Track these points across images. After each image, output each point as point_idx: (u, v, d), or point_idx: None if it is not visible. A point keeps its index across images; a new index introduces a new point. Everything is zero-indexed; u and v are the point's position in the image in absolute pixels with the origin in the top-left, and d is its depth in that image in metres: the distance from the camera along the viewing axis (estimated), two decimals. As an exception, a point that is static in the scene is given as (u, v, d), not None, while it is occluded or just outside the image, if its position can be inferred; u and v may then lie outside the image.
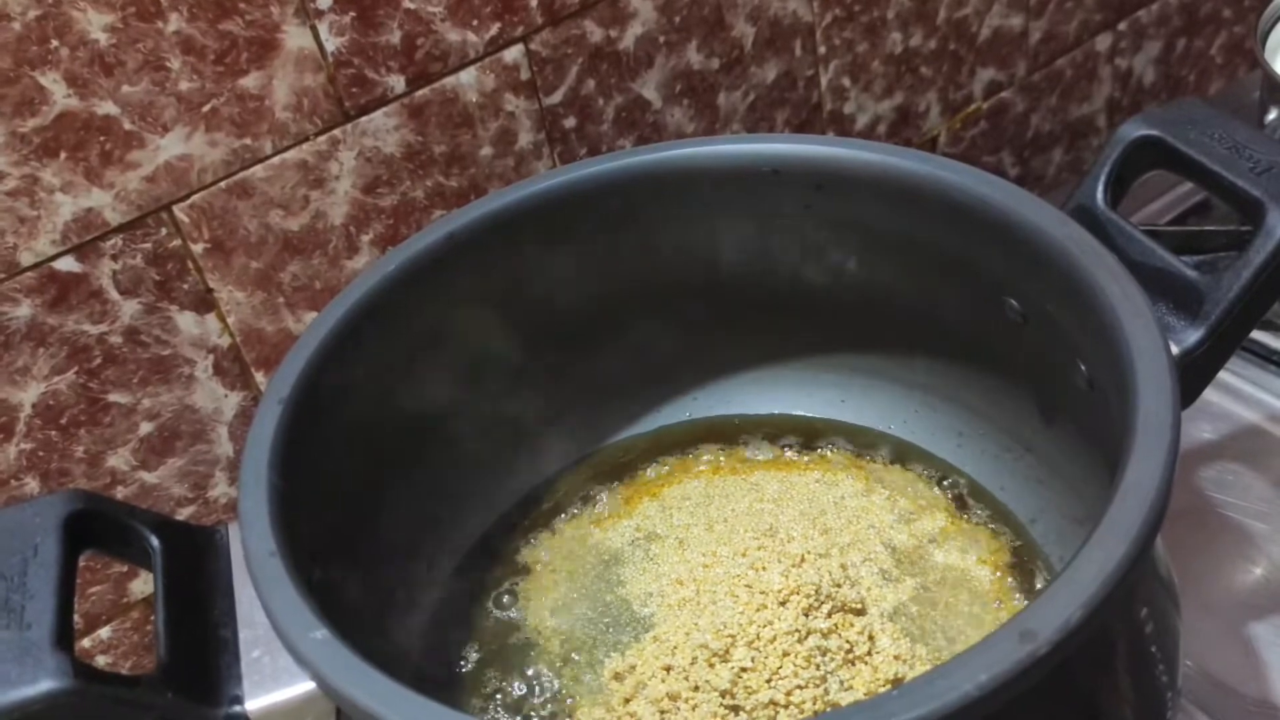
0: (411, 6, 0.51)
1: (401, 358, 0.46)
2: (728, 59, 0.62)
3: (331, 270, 0.54)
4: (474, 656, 0.46)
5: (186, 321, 0.51)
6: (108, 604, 0.54)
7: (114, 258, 0.48)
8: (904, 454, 0.52)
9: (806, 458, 0.53)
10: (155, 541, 0.37)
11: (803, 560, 0.44)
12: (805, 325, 0.52)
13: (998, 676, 0.28)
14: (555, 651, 0.46)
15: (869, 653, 0.42)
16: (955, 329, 0.48)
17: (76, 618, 0.53)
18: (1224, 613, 0.51)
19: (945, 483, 0.51)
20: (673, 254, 0.51)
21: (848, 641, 0.42)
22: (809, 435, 0.53)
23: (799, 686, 0.40)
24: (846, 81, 0.68)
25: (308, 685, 0.35)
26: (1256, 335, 0.62)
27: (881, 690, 0.40)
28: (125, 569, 0.54)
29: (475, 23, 0.53)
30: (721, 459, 0.53)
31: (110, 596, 0.54)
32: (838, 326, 0.52)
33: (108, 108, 0.46)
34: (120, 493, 0.52)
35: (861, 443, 0.53)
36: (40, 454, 0.50)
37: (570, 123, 0.58)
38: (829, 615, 0.42)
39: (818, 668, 0.41)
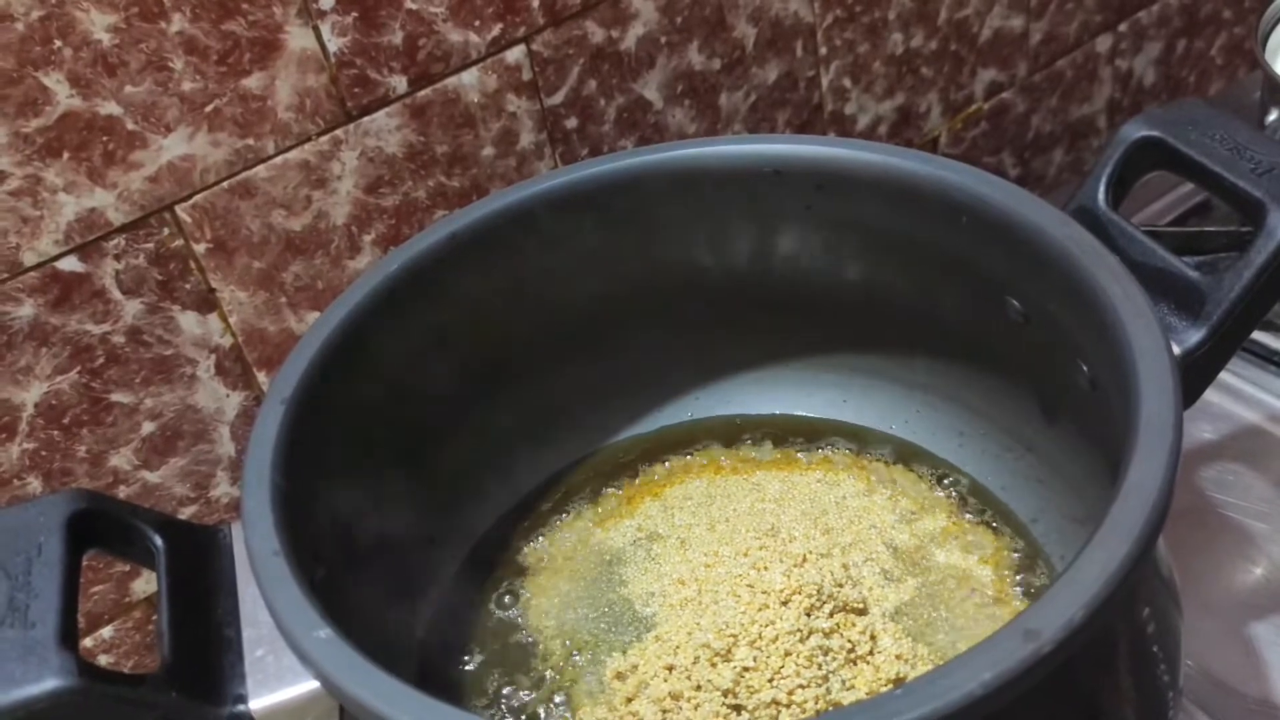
0: (414, 7, 0.51)
1: (404, 358, 0.46)
2: (729, 60, 0.62)
3: (334, 270, 0.54)
4: (476, 656, 0.47)
5: (189, 321, 0.51)
6: (110, 603, 0.54)
7: (117, 257, 0.48)
8: (905, 454, 0.52)
9: (808, 458, 0.53)
10: (158, 541, 0.37)
11: (804, 560, 0.44)
12: (806, 325, 0.52)
13: (1001, 675, 0.28)
14: (557, 651, 0.46)
15: (871, 652, 0.42)
16: (956, 329, 0.48)
17: (79, 617, 0.53)
18: (1225, 612, 0.51)
19: (946, 482, 0.51)
20: (674, 254, 0.51)
21: (849, 641, 0.42)
22: (810, 435, 0.54)
23: (801, 686, 0.40)
24: (848, 82, 0.68)
25: (311, 684, 0.35)
26: (1257, 336, 0.62)
27: (883, 690, 0.40)
28: (127, 569, 0.54)
29: (477, 23, 0.53)
30: (723, 459, 0.53)
31: (112, 596, 0.54)
32: (839, 326, 0.52)
33: (111, 108, 0.46)
34: (122, 492, 0.52)
35: (863, 443, 0.53)
36: (43, 453, 0.50)
37: (572, 123, 0.58)
38: (831, 615, 0.42)
39: (820, 667, 0.41)
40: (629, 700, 0.42)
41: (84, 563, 0.36)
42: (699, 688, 0.40)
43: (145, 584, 0.55)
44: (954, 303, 0.47)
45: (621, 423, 0.55)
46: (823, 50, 0.65)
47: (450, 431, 0.50)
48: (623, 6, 0.57)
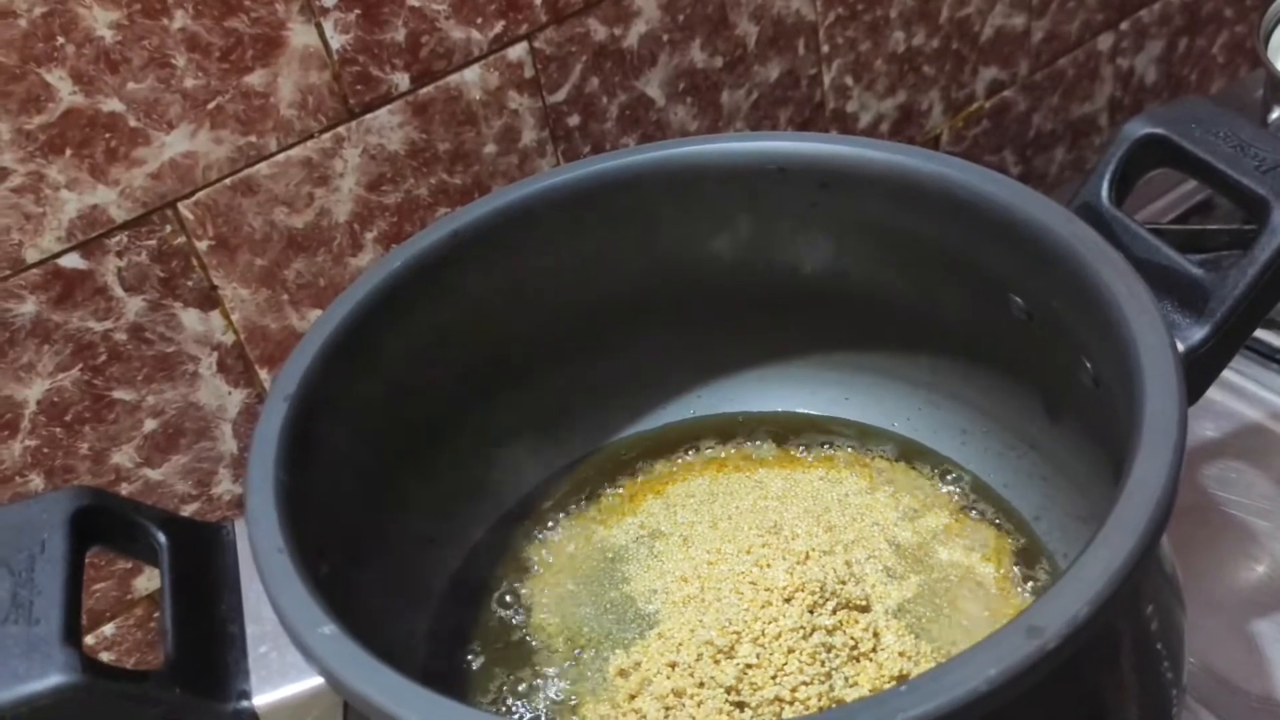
0: (416, 4, 0.51)
1: (406, 355, 0.46)
2: (731, 57, 0.62)
3: (336, 268, 0.54)
4: (479, 653, 0.47)
5: (191, 319, 0.51)
6: (111, 601, 0.54)
7: (119, 255, 0.48)
8: (908, 451, 0.52)
9: (811, 455, 0.53)
10: (162, 538, 0.37)
11: (807, 557, 0.44)
12: (809, 323, 0.52)
13: (1006, 671, 0.28)
14: (560, 648, 0.46)
15: (874, 649, 0.42)
16: (960, 326, 0.48)
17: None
18: (1227, 610, 0.52)
19: (949, 480, 0.51)
20: (677, 251, 0.51)
21: (852, 638, 0.42)
22: (813, 433, 0.53)
23: (804, 683, 0.40)
24: (849, 80, 0.68)
25: (315, 681, 0.35)
26: (1259, 334, 0.62)
27: (886, 687, 0.41)
28: (129, 566, 0.54)
29: (479, 20, 0.53)
30: (725, 456, 0.53)
31: (114, 593, 0.54)
32: (842, 324, 0.52)
33: (113, 105, 0.46)
34: (124, 489, 0.52)
35: (865, 440, 0.53)
36: (45, 451, 0.50)
37: (574, 121, 0.58)
38: (834, 612, 0.42)
39: (823, 664, 0.41)
40: (632, 697, 0.42)
41: (86, 560, 0.36)
42: (702, 685, 0.40)
43: (147, 581, 0.55)
44: (957, 300, 0.47)
45: (624, 421, 0.55)
46: (825, 48, 0.65)
47: (452, 429, 0.50)
48: (625, 4, 0.57)
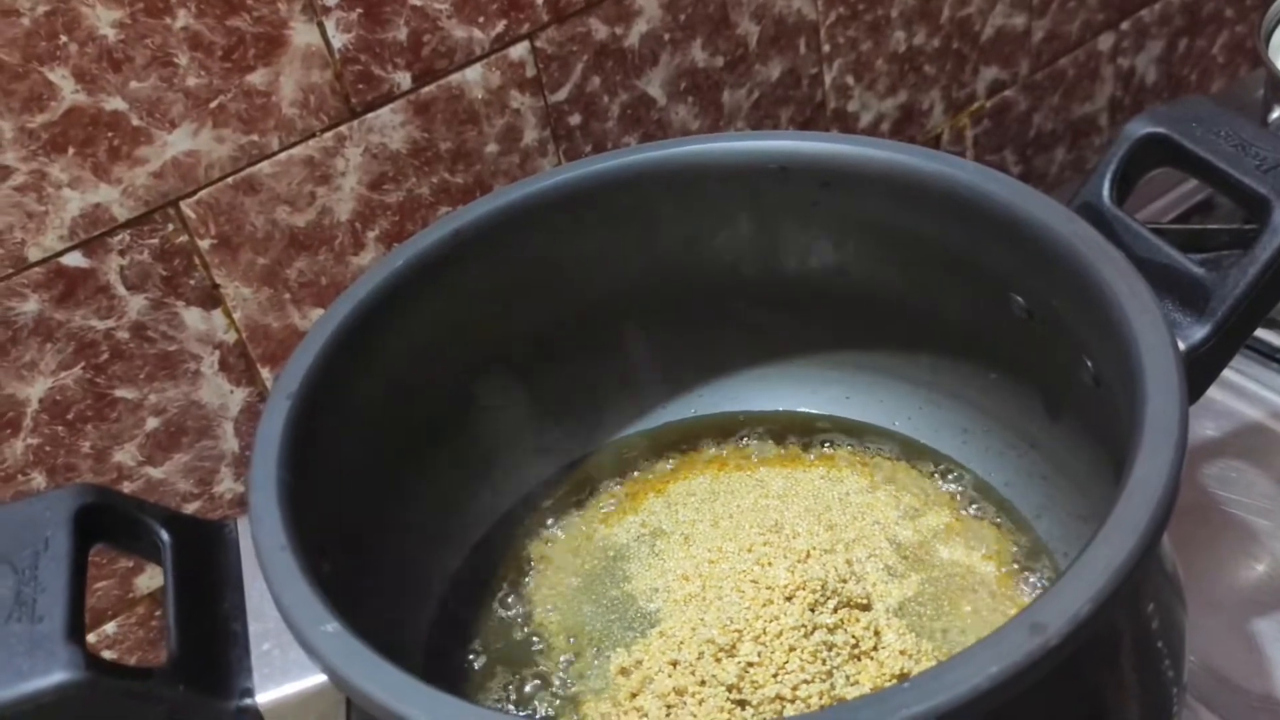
0: (418, 3, 0.51)
1: (408, 354, 0.46)
2: (732, 57, 0.62)
3: (337, 266, 0.54)
4: (480, 652, 0.47)
5: (193, 317, 0.51)
6: (113, 599, 0.54)
7: (121, 253, 0.48)
8: (909, 450, 0.52)
9: (811, 454, 0.53)
10: (165, 535, 0.37)
11: (808, 556, 0.44)
12: (810, 322, 0.53)
13: (1008, 668, 0.28)
14: (561, 647, 0.46)
15: (875, 648, 0.42)
16: (961, 325, 0.48)
17: (82, 613, 0.53)
18: (1228, 609, 0.52)
19: (950, 479, 0.51)
20: (678, 251, 0.51)
21: (853, 637, 0.42)
22: (814, 432, 0.54)
23: (805, 681, 0.40)
24: (850, 79, 0.68)
25: (318, 678, 0.35)
26: (1260, 333, 0.62)
27: (887, 685, 0.41)
28: (130, 564, 0.54)
29: (481, 20, 0.53)
30: (726, 455, 0.53)
31: (115, 592, 0.54)
32: (843, 323, 0.52)
33: (116, 103, 0.46)
34: (126, 488, 0.52)
35: (866, 439, 0.53)
36: (47, 449, 0.50)
37: (575, 120, 0.58)
38: (835, 610, 0.43)
39: (824, 663, 0.41)
40: (633, 695, 0.42)
41: (89, 557, 0.36)
42: (703, 683, 0.40)
43: (148, 580, 0.55)
44: (958, 299, 0.47)
45: (625, 419, 0.55)
46: (826, 48, 0.65)
47: (454, 427, 0.50)
48: (626, 3, 0.57)
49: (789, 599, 0.42)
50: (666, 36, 0.59)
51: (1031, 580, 0.46)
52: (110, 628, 0.55)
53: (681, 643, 0.42)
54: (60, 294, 0.47)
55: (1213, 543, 0.54)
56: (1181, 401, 0.34)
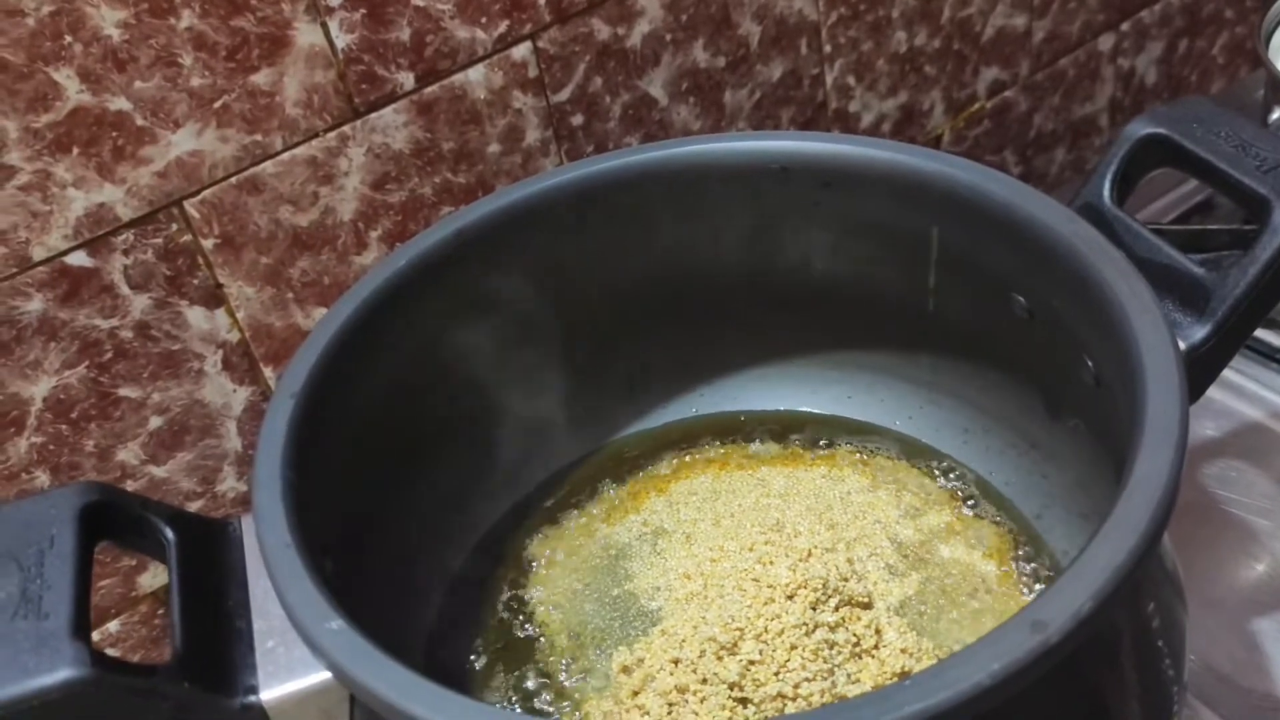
0: (421, 4, 0.51)
1: (410, 354, 0.46)
2: (734, 57, 0.62)
3: (340, 266, 0.54)
4: (483, 651, 0.47)
5: (196, 316, 0.51)
6: (116, 597, 0.54)
7: (125, 253, 0.48)
8: (910, 450, 0.52)
9: (813, 454, 0.53)
10: (170, 533, 0.37)
11: (809, 555, 0.44)
12: (811, 322, 0.53)
13: (1009, 666, 0.28)
14: (563, 645, 0.46)
15: (876, 646, 0.42)
16: (961, 325, 0.48)
17: (86, 611, 0.53)
18: (1228, 608, 0.52)
19: (951, 478, 0.51)
20: (680, 250, 0.51)
21: (855, 635, 0.42)
22: (815, 431, 0.54)
23: (806, 679, 0.40)
24: (851, 80, 0.68)
25: (322, 675, 0.35)
26: (1260, 333, 0.62)
27: (889, 683, 0.41)
28: (134, 562, 0.54)
29: (484, 20, 0.53)
30: (728, 454, 0.54)
31: (119, 590, 0.54)
32: (844, 323, 0.52)
33: (120, 103, 0.46)
34: (130, 486, 0.52)
35: (867, 438, 0.53)
36: (51, 448, 0.50)
37: (577, 120, 0.58)
38: (836, 609, 0.43)
39: (825, 661, 0.41)
40: (635, 694, 0.42)
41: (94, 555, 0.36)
42: (705, 681, 0.40)
43: (152, 578, 0.55)
44: (958, 299, 0.47)
45: (626, 419, 0.55)
46: (827, 48, 0.66)
47: (456, 427, 0.50)
48: (628, 4, 0.57)
49: (790, 597, 0.42)
50: (668, 37, 0.59)
51: (1032, 579, 0.46)
52: (113, 626, 0.55)
53: (683, 641, 0.42)
54: (64, 293, 0.48)
55: (1213, 543, 0.54)
56: (1182, 401, 0.34)
